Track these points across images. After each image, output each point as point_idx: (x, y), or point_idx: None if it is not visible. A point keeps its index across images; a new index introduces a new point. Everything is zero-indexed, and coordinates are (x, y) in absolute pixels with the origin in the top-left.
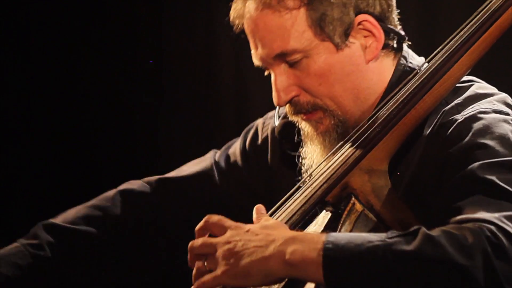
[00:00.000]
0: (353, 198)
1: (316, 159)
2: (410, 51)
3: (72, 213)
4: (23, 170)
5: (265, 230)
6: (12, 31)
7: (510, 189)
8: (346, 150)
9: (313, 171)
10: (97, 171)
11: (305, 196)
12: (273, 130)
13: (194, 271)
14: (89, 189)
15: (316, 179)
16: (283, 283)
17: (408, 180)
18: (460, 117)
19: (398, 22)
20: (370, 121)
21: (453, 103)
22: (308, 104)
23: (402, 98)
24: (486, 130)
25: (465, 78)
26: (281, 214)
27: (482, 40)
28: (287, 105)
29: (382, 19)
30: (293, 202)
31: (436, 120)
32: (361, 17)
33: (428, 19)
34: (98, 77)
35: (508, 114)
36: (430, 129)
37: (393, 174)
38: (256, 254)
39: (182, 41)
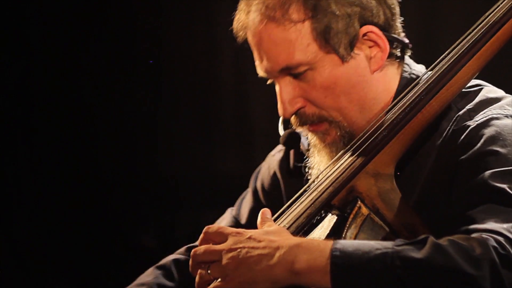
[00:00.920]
0: (359, 202)
1: (322, 168)
2: (410, 59)
3: None
4: (23, 170)
5: (268, 237)
6: (12, 31)
7: None
8: (353, 154)
9: (318, 176)
10: (96, 171)
11: (311, 200)
12: (279, 163)
13: (197, 279)
14: (89, 189)
15: (322, 183)
16: None
17: (422, 186)
18: (472, 123)
19: (402, 29)
20: (377, 125)
21: (465, 109)
22: (314, 116)
23: (408, 103)
24: (498, 137)
25: (473, 82)
26: (286, 217)
27: (489, 45)
28: (293, 116)
29: (386, 28)
30: (299, 205)
31: (448, 127)
32: (366, 28)
33: (427, 25)
34: (98, 77)
35: None
36: (443, 136)
37: (402, 178)
38: (262, 263)
39: (182, 41)
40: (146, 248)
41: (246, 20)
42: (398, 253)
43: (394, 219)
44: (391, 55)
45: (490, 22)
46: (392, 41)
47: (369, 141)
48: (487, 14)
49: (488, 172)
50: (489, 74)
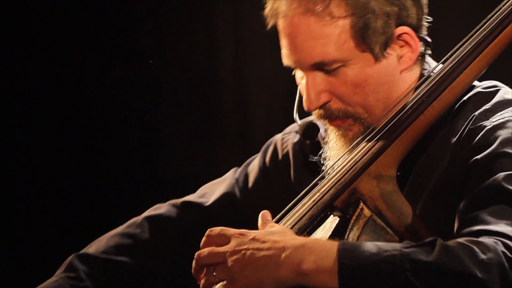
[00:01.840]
0: (361, 204)
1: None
2: (429, 57)
3: (103, 242)
4: (23, 170)
5: (272, 237)
6: (11, 32)
7: None
8: (355, 155)
9: (330, 169)
10: (96, 171)
11: (313, 201)
12: (294, 145)
13: (202, 282)
14: (89, 189)
15: (325, 184)
16: None
17: (434, 184)
18: (489, 123)
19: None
20: (380, 126)
21: (481, 109)
22: (339, 111)
23: (411, 104)
24: None
25: (488, 83)
26: (289, 218)
27: (492, 47)
28: (317, 109)
29: (417, 29)
30: (301, 206)
31: (464, 126)
32: (401, 29)
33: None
34: (98, 77)
35: None
36: (458, 135)
37: (416, 175)
38: (268, 264)
39: (182, 41)
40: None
41: (282, 8)
42: (407, 255)
43: (396, 220)
44: (419, 55)
45: (493, 24)
46: (422, 41)
47: (372, 142)
48: (489, 16)
49: (501, 174)
50: (491, 76)
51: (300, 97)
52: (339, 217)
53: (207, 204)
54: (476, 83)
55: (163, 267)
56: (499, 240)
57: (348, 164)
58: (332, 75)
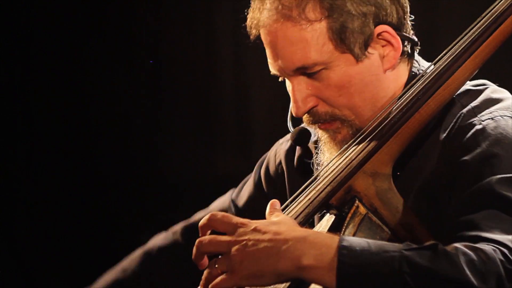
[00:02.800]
0: (357, 201)
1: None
2: (418, 56)
3: (112, 279)
4: (23, 169)
5: (273, 228)
6: (11, 31)
7: None
8: (350, 153)
9: (318, 173)
10: (97, 171)
11: (309, 199)
12: (286, 152)
13: (205, 274)
14: (89, 189)
15: (320, 182)
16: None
17: (423, 180)
18: (477, 122)
19: (411, 27)
20: (375, 124)
21: (469, 106)
22: (327, 115)
23: (406, 102)
24: (504, 140)
25: (478, 81)
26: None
27: (486, 45)
28: (305, 114)
29: (399, 27)
30: (297, 204)
31: (453, 123)
32: (381, 28)
33: (427, 22)
34: (98, 77)
35: None
36: (446, 132)
37: (405, 171)
38: (268, 256)
39: (182, 41)
40: None
41: (260, 17)
42: (406, 258)
43: (392, 218)
44: (402, 53)
45: (487, 22)
46: (403, 39)
47: (367, 140)
48: (484, 14)
49: (494, 178)
50: (488, 74)
51: None
52: (334, 215)
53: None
54: None
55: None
56: (498, 249)
57: (344, 162)
58: (315, 79)
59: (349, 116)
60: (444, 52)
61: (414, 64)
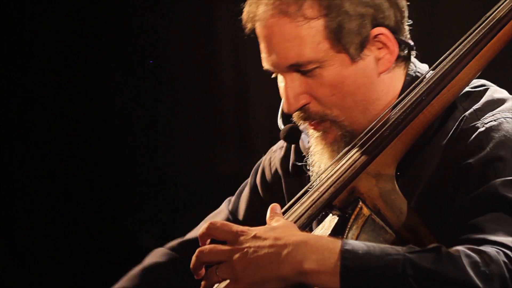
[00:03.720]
0: (360, 203)
1: (324, 167)
2: (414, 58)
3: None
4: (23, 169)
5: (273, 234)
6: (11, 31)
7: None
8: (354, 155)
9: (320, 176)
10: (97, 171)
11: (312, 200)
12: (281, 160)
13: (204, 281)
14: (89, 189)
15: (323, 183)
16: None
17: (425, 185)
18: (480, 125)
19: (408, 32)
20: (378, 125)
21: (471, 109)
22: (317, 114)
23: (410, 103)
24: (508, 143)
25: (477, 82)
26: (287, 218)
27: (491, 45)
28: (297, 112)
29: (396, 30)
30: (300, 206)
31: (455, 126)
32: (377, 30)
33: (427, 25)
34: (98, 77)
35: None
36: (449, 136)
37: (406, 177)
38: (270, 263)
39: (182, 41)
40: (146, 248)
41: (257, 11)
42: (410, 260)
43: (395, 220)
44: (398, 57)
45: (491, 22)
46: (400, 43)
47: (371, 141)
48: (488, 14)
49: (499, 181)
50: (490, 74)
51: None
52: (338, 216)
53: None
54: None
55: None
56: (501, 251)
57: (347, 163)
58: (309, 76)
59: (340, 117)
60: (447, 53)
61: (410, 67)
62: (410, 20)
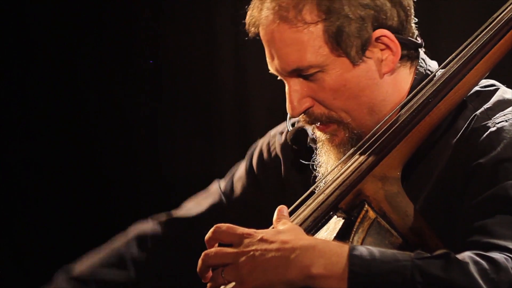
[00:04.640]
0: (366, 205)
1: (330, 169)
2: (424, 55)
3: (92, 263)
4: (23, 170)
5: (280, 237)
6: (11, 31)
7: None
8: (360, 157)
9: (325, 177)
10: (97, 171)
11: (318, 203)
12: (283, 146)
13: (209, 284)
14: (89, 189)
15: (329, 186)
16: None
17: (434, 183)
18: (492, 124)
19: (415, 28)
20: (384, 127)
21: (482, 108)
22: (323, 116)
23: (416, 105)
24: None
25: (486, 82)
26: (293, 220)
27: (498, 48)
28: (301, 114)
29: (399, 30)
30: (306, 208)
31: (465, 125)
32: (379, 32)
33: (430, 26)
34: (98, 77)
35: None
36: (459, 135)
37: (414, 176)
38: (277, 266)
39: (182, 41)
40: None
41: (258, 16)
42: (419, 267)
43: (401, 222)
44: (403, 57)
45: (499, 24)
46: (405, 43)
47: (377, 144)
48: (495, 15)
49: (509, 183)
50: (493, 76)
51: None
52: (343, 218)
53: (194, 217)
54: None
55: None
56: (510, 257)
57: (353, 166)
58: (311, 80)
59: (346, 119)
60: (454, 54)
61: (420, 64)
62: (416, 18)
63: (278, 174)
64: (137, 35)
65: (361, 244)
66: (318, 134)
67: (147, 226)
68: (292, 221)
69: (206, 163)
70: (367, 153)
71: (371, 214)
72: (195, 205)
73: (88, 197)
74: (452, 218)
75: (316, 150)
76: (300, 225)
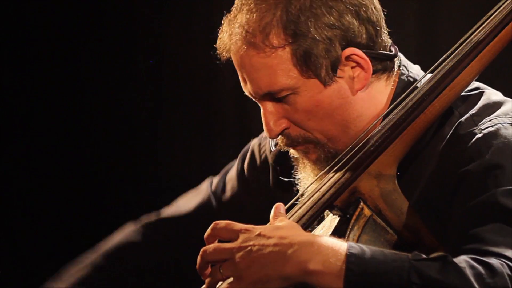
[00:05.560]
0: (361, 203)
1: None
2: (406, 60)
3: (81, 274)
4: (23, 171)
5: (278, 233)
6: (11, 31)
7: None
8: (355, 155)
9: (308, 188)
10: (97, 171)
11: (313, 200)
12: (272, 152)
13: (208, 279)
14: (89, 189)
15: (324, 184)
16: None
17: (422, 190)
18: (478, 131)
19: (388, 38)
20: (378, 127)
21: (468, 114)
22: (300, 137)
23: (411, 103)
24: (506, 150)
25: (471, 86)
26: (289, 218)
27: (492, 46)
28: (279, 136)
29: (370, 46)
30: (301, 206)
31: (451, 132)
32: (348, 51)
33: (428, 25)
34: (98, 77)
35: None
36: (445, 142)
37: (402, 182)
38: (274, 261)
39: (182, 41)
40: None
41: (228, 42)
42: (416, 268)
43: (396, 220)
44: (376, 71)
45: (493, 22)
46: (376, 57)
47: (372, 142)
48: (489, 14)
49: (499, 190)
50: (489, 75)
51: None
52: (339, 216)
53: (183, 217)
54: None
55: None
56: (505, 263)
57: (348, 164)
58: (284, 102)
59: (321, 139)
60: (448, 52)
61: (402, 70)
62: (388, 29)
63: (267, 179)
64: (137, 35)
65: (357, 241)
66: (292, 151)
67: (135, 232)
68: (288, 219)
69: (206, 163)
70: (363, 152)
71: (367, 211)
72: (184, 204)
73: (88, 196)
74: (440, 225)
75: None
76: (296, 222)
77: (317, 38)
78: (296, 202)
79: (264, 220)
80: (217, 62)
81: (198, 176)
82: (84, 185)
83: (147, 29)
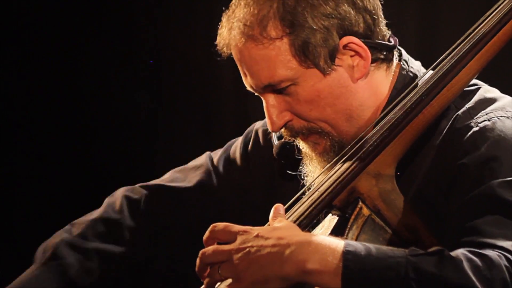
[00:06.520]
0: (360, 203)
1: (316, 176)
2: (407, 55)
3: (85, 228)
4: (23, 171)
5: (276, 233)
6: (11, 31)
7: None
8: (353, 156)
9: (313, 182)
10: (97, 171)
11: (312, 200)
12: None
13: (207, 280)
14: (89, 189)
15: (323, 184)
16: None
17: (419, 184)
18: (474, 124)
19: (387, 29)
20: (377, 126)
21: (464, 108)
22: (303, 128)
23: (410, 103)
24: (503, 142)
25: None
26: (288, 217)
27: (490, 45)
28: (283, 128)
29: (368, 35)
30: (300, 206)
31: (448, 125)
32: (346, 39)
33: (428, 21)
34: (98, 77)
35: None
36: (442, 135)
37: (400, 177)
38: (272, 262)
39: (182, 41)
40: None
41: (228, 37)
42: (413, 263)
43: (395, 219)
44: (375, 60)
45: (491, 22)
46: (374, 46)
47: (370, 142)
48: (488, 14)
49: (496, 182)
50: (488, 74)
51: None
52: (338, 216)
53: (183, 189)
54: None
55: (143, 253)
56: (503, 255)
57: (347, 164)
58: (286, 94)
59: (326, 128)
60: (446, 52)
61: (402, 65)
62: (385, 20)
63: (271, 166)
64: (137, 35)
65: (355, 241)
66: (301, 144)
67: (136, 193)
68: (287, 219)
69: None
70: (362, 152)
71: (365, 211)
72: (183, 177)
73: (87, 196)
74: (437, 217)
75: (302, 161)
76: (295, 222)
77: (314, 27)
78: (300, 197)
79: (264, 220)
80: (218, 59)
81: None
82: (84, 185)
83: (147, 30)
